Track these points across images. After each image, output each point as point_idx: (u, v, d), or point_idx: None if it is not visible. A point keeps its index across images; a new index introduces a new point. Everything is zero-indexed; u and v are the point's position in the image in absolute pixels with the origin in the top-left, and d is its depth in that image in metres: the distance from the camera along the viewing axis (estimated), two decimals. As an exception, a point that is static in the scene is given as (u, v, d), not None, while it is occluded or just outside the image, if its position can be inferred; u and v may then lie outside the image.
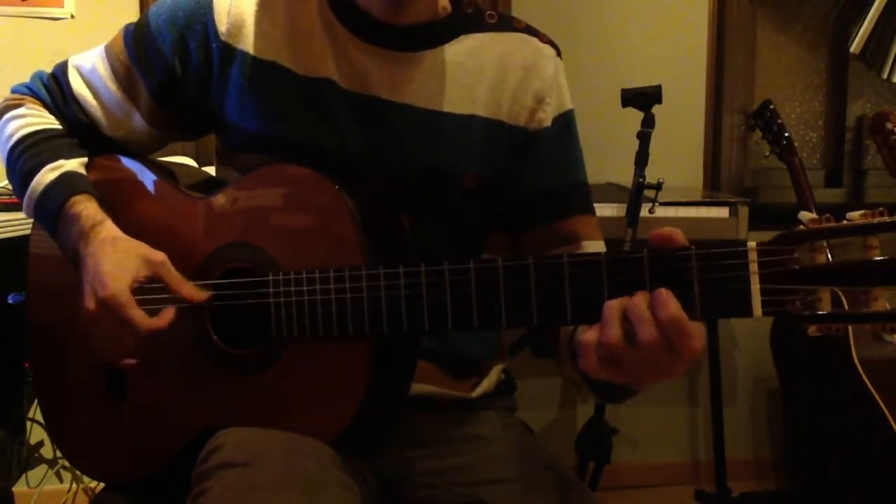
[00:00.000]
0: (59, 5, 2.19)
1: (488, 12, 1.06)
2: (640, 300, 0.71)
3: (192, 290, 0.93)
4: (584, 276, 0.75)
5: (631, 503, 2.53)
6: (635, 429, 2.56)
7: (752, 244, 0.69)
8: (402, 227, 0.95)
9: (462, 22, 1.03)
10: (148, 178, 1.04)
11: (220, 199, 0.97)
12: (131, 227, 0.97)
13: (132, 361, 0.94)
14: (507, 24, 1.05)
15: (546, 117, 1.03)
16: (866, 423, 1.99)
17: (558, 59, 1.06)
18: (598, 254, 0.75)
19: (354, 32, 0.99)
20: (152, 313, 0.91)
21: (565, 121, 1.05)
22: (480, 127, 1.01)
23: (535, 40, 1.05)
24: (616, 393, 0.88)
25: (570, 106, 1.06)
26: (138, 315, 0.90)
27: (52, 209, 0.98)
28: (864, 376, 1.99)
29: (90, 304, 0.91)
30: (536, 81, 1.03)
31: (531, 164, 1.03)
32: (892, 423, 1.94)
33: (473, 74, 1.01)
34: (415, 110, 0.99)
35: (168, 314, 0.92)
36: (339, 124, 0.98)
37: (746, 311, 0.69)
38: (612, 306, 0.72)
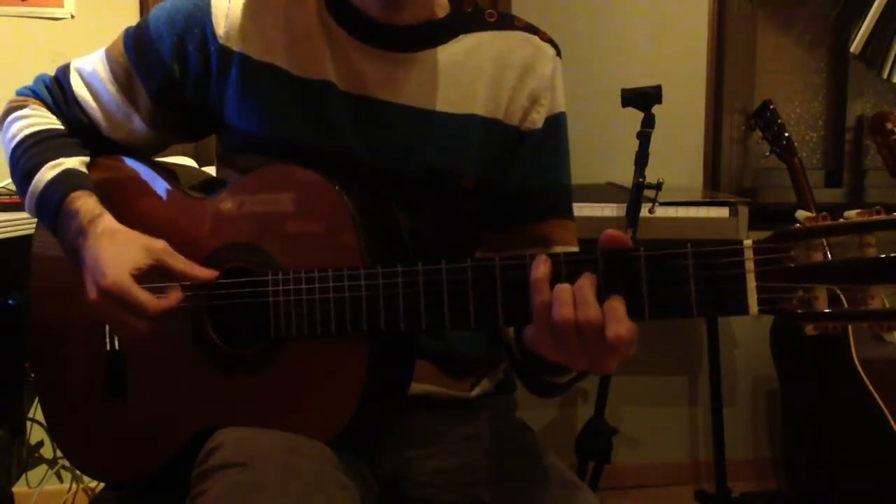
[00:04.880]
0: (59, 5, 2.19)
1: (488, 11, 1.05)
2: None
3: (201, 271, 0.93)
4: (580, 275, 0.75)
5: (631, 503, 2.53)
6: (635, 429, 2.56)
7: (747, 242, 0.69)
8: (401, 227, 0.95)
9: (461, 21, 1.03)
10: (149, 178, 1.04)
11: (220, 200, 0.97)
12: (132, 226, 0.97)
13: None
14: (507, 22, 1.05)
15: (539, 118, 1.03)
16: (866, 423, 1.99)
17: (557, 58, 1.06)
18: (595, 252, 0.75)
19: (352, 34, 0.99)
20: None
21: (555, 122, 1.04)
22: (479, 126, 1.01)
23: (535, 38, 1.05)
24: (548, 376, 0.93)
25: (562, 108, 1.06)
26: (145, 297, 0.90)
27: (51, 206, 0.98)
28: (864, 376, 1.99)
29: (92, 295, 0.91)
30: (533, 81, 1.02)
31: (516, 163, 1.03)
32: (892, 423, 1.94)
33: (472, 73, 1.01)
34: (413, 111, 0.99)
35: (175, 294, 0.92)
36: (337, 126, 0.98)
37: (742, 310, 0.69)
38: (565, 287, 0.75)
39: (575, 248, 1.04)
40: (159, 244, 0.94)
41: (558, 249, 1.02)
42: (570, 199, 1.07)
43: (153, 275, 0.92)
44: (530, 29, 1.06)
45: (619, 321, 0.72)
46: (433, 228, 1.00)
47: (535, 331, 0.77)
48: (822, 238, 0.67)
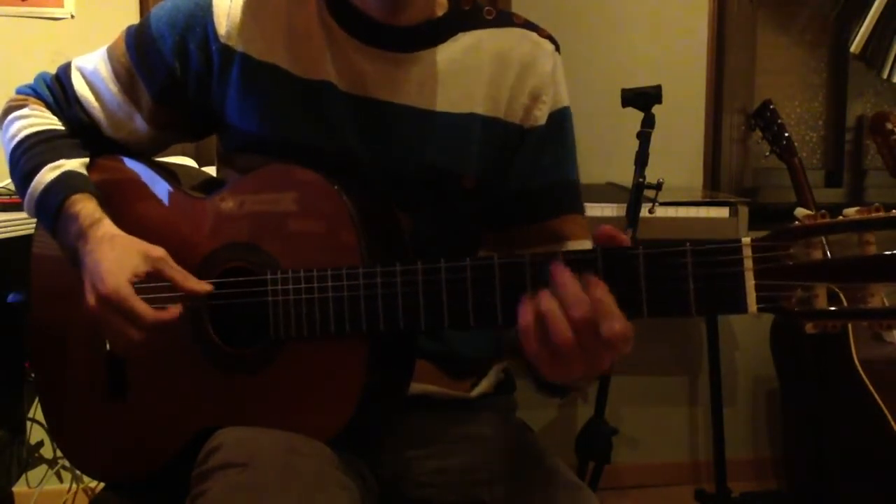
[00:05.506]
0: (59, 5, 2.19)
1: (486, 8, 1.05)
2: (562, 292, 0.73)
3: (195, 283, 0.92)
4: (578, 271, 0.75)
5: (631, 503, 2.53)
6: (635, 429, 2.56)
7: (746, 240, 0.69)
8: (401, 227, 0.96)
9: (459, 20, 1.03)
10: (149, 178, 1.04)
11: (220, 199, 0.97)
12: (132, 226, 0.98)
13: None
14: (505, 19, 1.05)
15: (541, 115, 1.03)
16: (866, 423, 1.99)
17: (557, 54, 1.06)
18: (594, 250, 0.75)
19: (352, 34, 0.99)
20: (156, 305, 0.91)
21: (559, 118, 1.04)
22: (479, 125, 1.01)
23: (534, 35, 1.05)
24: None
25: (565, 103, 1.05)
26: (143, 307, 0.90)
27: (51, 208, 0.98)
28: (864, 376, 1.99)
29: (91, 300, 0.91)
30: (533, 78, 1.02)
31: (521, 161, 1.03)
32: (892, 423, 1.94)
33: (471, 72, 1.01)
34: (413, 111, 0.99)
35: (175, 308, 0.92)
36: (338, 126, 0.98)
37: (741, 307, 0.69)
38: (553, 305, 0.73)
39: (587, 242, 1.03)
40: (158, 251, 0.93)
41: (572, 244, 1.02)
42: (579, 194, 1.07)
43: (151, 282, 0.92)
44: (528, 26, 1.06)
45: (611, 317, 0.71)
46: (434, 228, 1.00)
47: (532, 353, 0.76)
48: (821, 236, 0.66)
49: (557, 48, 1.06)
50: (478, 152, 1.01)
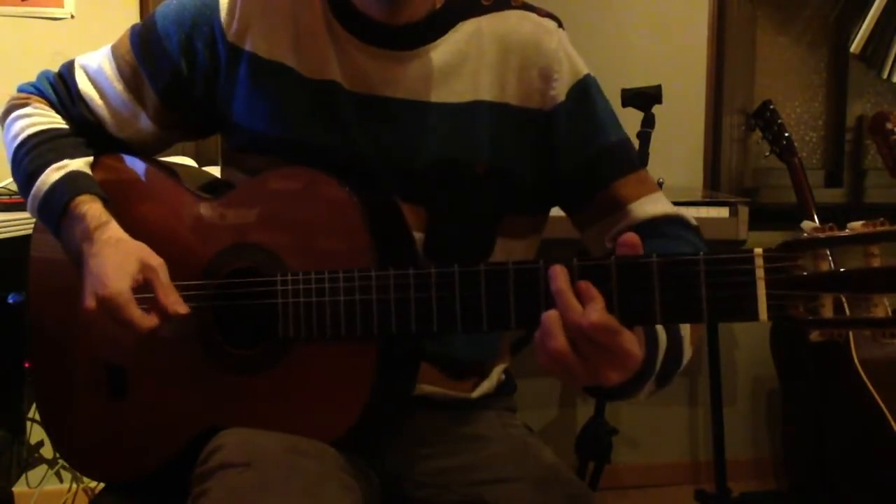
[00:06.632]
0: (59, 5, 2.19)
1: None
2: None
3: (171, 299, 0.92)
4: (594, 279, 0.75)
5: (631, 503, 2.53)
6: (635, 429, 2.56)
7: (758, 251, 0.70)
8: (410, 228, 0.96)
9: (458, 9, 1.02)
10: (155, 177, 1.04)
11: (229, 200, 0.97)
12: (139, 226, 0.98)
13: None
14: (503, 3, 1.03)
15: (558, 93, 1.00)
16: (866, 423, 1.99)
17: (560, 30, 1.04)
18: (607, 258, 0.75)
19: (354, 34, 0.99)
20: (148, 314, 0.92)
21: (581, 88, 1.02)
22: (486, 112, 1.00)
23: (533, 16, 1.04)
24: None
25: (583, 72, 1.03)
26: (138, 315, 0.90)
27: (56, 209, 0.98)
28: (864, 376, 1.99)
29: (91, 302, 0.91)
30: (540, 59, 1.01)
31: (555, 143, 1.01)
32: (892, 422, 1.94)
33: (474, 60, 1.00)
34: (419, 105, 0.99)
35: (166, 325, 0.92)
36: (346, 126, 0.98)
37: (753, 316, 0.70)
38: (552, 317, 0.73)
39: (651, 196, 1.01)
40: (155, 260, 0.94)
41: (632, 207, 0.99)
42: (628, 152, 1.04)
43: (143, 290, 0.93)
44: (527, 7, 1.04)
45: (594, 312, 0.72)
46: (449, 218, 1.00)
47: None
48: (828, 248, 0.68)
49: (560, 24, 1.04)
50: (488, 139, 1.00)
